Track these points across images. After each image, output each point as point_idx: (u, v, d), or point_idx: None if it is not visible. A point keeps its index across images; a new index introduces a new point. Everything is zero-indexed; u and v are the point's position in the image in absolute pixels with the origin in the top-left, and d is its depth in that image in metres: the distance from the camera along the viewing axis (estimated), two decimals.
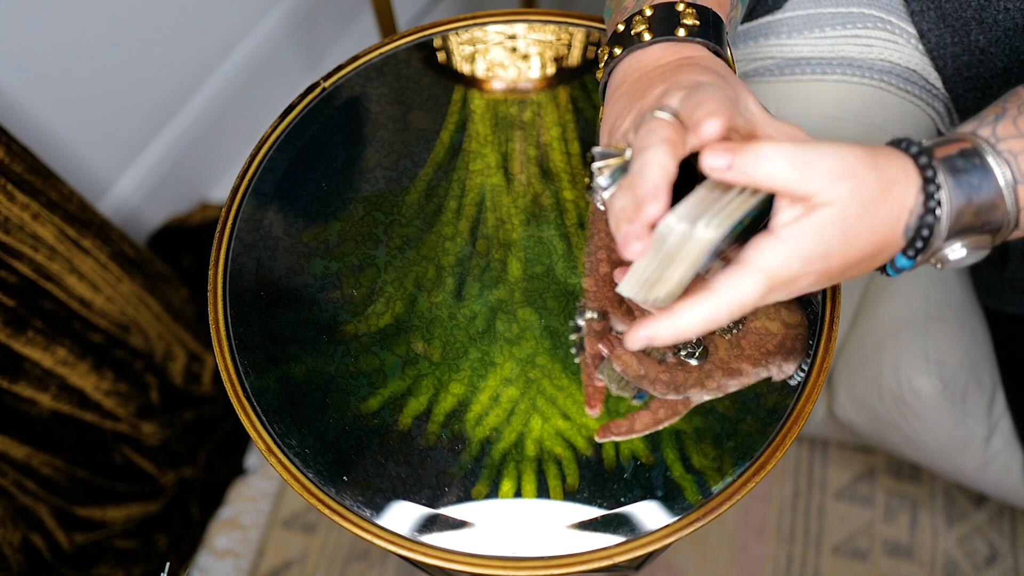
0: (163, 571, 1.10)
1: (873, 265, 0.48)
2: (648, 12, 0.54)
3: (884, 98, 0.74)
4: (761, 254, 0.44)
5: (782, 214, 0.44)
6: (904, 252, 0.47)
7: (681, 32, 0.52)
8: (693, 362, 0.55)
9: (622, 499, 0.52)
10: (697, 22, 0.53)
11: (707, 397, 0.55)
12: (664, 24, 0.53)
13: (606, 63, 0.55)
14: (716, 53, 0.53)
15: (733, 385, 0.55)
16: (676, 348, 0.55)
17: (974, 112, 0.73)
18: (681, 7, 0.53)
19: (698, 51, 0.53)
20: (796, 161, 0.43)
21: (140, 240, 1.30)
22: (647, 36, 0.53)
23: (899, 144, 0.47)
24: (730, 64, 0.55)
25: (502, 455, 0.54)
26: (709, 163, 0.43)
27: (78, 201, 0.98)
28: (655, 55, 0.53)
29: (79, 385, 1.00)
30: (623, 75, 0.54)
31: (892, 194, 0.44)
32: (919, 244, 0.46)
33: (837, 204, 0.43)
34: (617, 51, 0.54)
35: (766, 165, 0.43)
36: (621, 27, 0.54)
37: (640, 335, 0.45)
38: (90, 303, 1.01)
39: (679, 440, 0.54)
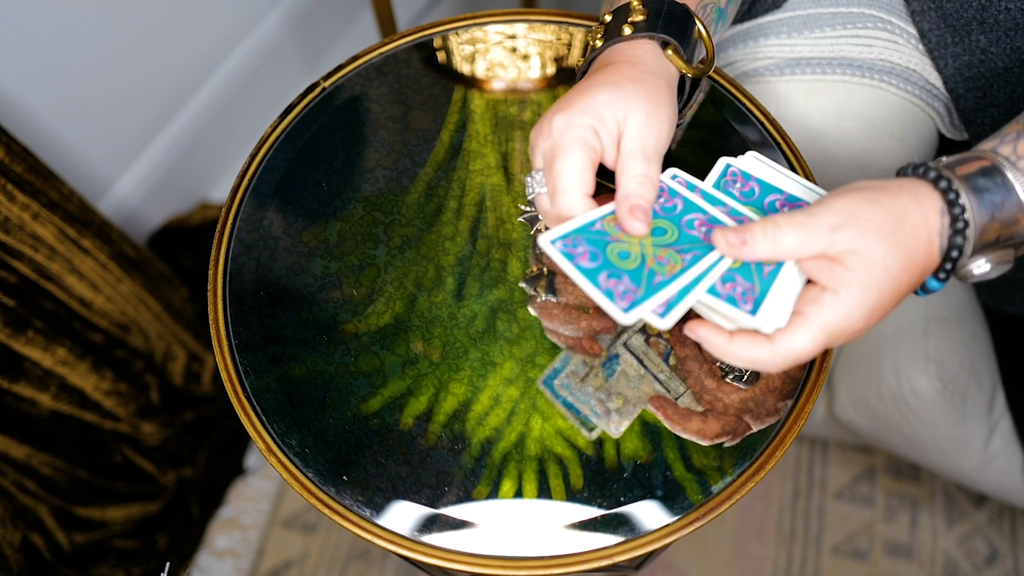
0: (163, 571, 1.10)
1: (911, 291, 0.49)
2: (607, 19, 0.55)
3: (884, 98, 0.74)
4: (819, 310, 0.45)
5: (817, 272, 0.46)
6: (935, 274, 0.48)
7: (626, 31, 0.53)
8: (741, 385, 0.55)
9: (622, 499, 0.52)
10: (643, 17, 0.53)
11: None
12: (615, 28, 0.54)
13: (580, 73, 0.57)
14: (668, 43, 0.53)
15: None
16: (724, 372, 0.56)
17: (974, 112, 0.73)
18: (635, 3, 0.53)
19: (641, 48, 0.53)
20: (796, 226, 0.45)
21: (140, 240, 1.30)
22: (599, 44, 0.54)
23: (913, 170, 0.47)
24: (706, 44, 0.55)
25: (503, 455, 0.54)
26: (721, 244, 0.46)
27: (78, 201, 0.98)
28: (600, 61, 0.54)
29: (79, 385, 1.00)
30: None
31: (908, 223, 0.45)
32: (948, 265, 0.47)
33: (860, 251, 0.45)
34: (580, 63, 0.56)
35: (780, 240, 0.45)
36: (590, 41, 0.56)
37: (698, 331, 0.47)
38: (90, 303, 1.01)
39: (679, 439, 0.54)
